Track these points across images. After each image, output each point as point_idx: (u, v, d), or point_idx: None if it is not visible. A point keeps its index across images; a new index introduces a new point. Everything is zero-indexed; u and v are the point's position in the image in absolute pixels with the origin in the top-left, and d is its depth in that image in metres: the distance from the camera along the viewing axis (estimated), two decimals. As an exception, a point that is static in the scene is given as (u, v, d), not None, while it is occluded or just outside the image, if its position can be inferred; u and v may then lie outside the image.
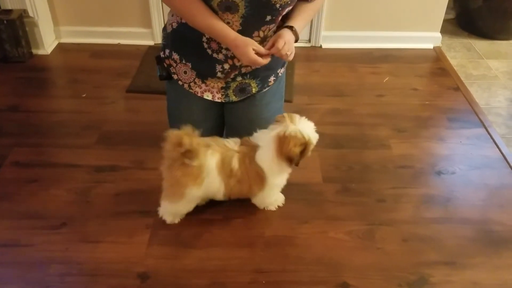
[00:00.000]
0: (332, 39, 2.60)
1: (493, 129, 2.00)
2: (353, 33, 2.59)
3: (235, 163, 1.40)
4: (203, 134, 1.72)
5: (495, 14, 2.73)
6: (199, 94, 1.63)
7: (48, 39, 2.47)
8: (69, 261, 1.39)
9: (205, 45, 1.49)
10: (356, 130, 1.97)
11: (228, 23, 1.40)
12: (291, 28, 1.46)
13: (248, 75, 1.60)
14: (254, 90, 1.63)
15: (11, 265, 1.38)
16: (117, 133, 1.91)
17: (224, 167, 1.40)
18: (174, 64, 1.59)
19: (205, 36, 1.47)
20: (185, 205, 1.47)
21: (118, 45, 2.57)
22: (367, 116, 2.06)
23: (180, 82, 1.62)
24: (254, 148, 1.43)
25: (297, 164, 1.45)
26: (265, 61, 1.42)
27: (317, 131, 1.93)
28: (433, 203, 1.62)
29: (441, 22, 2.59)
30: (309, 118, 2.01)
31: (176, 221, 1.52)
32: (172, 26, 1.54)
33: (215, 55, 1.50)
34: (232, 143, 1.46)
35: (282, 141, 1.38)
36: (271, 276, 1.37)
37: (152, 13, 2.49)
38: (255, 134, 1.48)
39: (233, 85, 1.61)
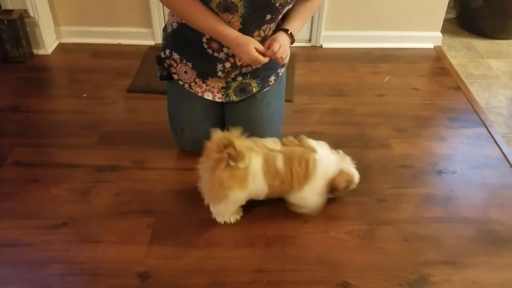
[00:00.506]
0: (333, 39, 2.60)
1: (494, 129, 2.00)
2: (353, 32, 2.59)
3: (279, 164, 1.40)
4: (204, 134, 1.73)
5: (495, 13, 2.73)
6: (199, 94, 1.63)
7: (48, 39, 2.47)
8: (70, 261, 1.39)
9: (205, 45, 1.50)
10: (357, 130, 1.97)
11: (228, 22, 1.40)
12: (286, 31, 1.46)
13: (248, 75, 1.60)
14: (254, 90, 1.63)
15: (12, 265, 1.38)
16: (118, 133, 1.91)
17: (269, 168, 1.39)
18: (175, 64, 1.60)
19: (205, 36, 1.47)
20: (228, 206, 1.46)
21: (119, 45, 2.57)
22: (367, 115, 2.06)
23: (180, 82, 1.63)
24: (309, 150, 1.44)
25: (333, 197, 1.53)
26: (266, 59, 1.43)
27: (317, 131, 1.94)
28: (433, 203, 1.62)
29: (441, 22, 2.59)
30: (310, 117, 2.03)
31: (232, 220, 1.51)
32: (172, 26, 1.55)
33: (216, 54, 1.50)
34: (272, 143, 1.45)
35: (340, 175, 1.47)
36: (272, 275, 1.37)
37: (152, 13, 2.49)
38: (309, 140, 1.49)
39: (234, 85, 1.61)
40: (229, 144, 1.31)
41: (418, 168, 1.77)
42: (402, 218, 1.56)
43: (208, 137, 1.73)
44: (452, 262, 1.42)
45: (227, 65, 1.53)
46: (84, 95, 2.15)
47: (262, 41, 1.48)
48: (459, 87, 2.28)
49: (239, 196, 1.40)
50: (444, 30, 2.65)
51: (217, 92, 1.63)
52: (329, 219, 1.54)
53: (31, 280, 1.34)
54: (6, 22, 2.24)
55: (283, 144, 1.46)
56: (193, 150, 1.77)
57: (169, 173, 1.73)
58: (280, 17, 1.45)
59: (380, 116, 2.05)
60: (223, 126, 1.77)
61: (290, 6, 1.44)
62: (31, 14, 2.34)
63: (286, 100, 2.08)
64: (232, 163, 1.33)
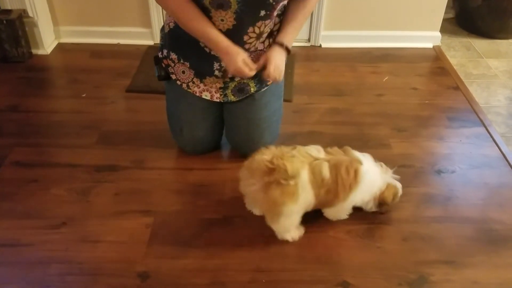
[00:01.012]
0: (332, 39, 2.60)
1: (493, 128, 2.00)
2: (352, 32, 2.59)
3: (326, 172, 1.36)
4: (203, 134, 1.73)
5: (494, 13, 2.73)
6: (197, 94, 1.63)
7: (47, 39, 2.47)
8: (69, 261, 1.39)
9: (202, 44, 1.50)
10: (356, 130, 1.97)
11: (222, 20, 1.40)
12: (281, 44, 1.50)
13: None
14: (252, 90, 1.63)
15: (11, 265, 1.38)
16: (117, 132, 1.91)
17: (315, 178, 1.36)
18: (172, 64, 1.60)
19: None
20: (286, 221, 1.41)
21: (118, 45, 2.57)
22: (367, 115, 2.06)
23: (178, 82, 1.63)
24: (356, 160, 1.42)
25: (382, 212, 1.53)
26: (251, 72, 1.46)
27: (317, 131, 1.94)
28: (433, 202, 1.63)
29: (440, 22, 2.59)
30: (309, 117, 2.03)
31: (297, 236, 1.46)
32: (169, 26, 1.55)
33: (213, 52, 1.51)
34: (315, 151, 1.41)
35: (388, 189, 1.48)
36: (271, 275, 1.37)
37: (151, 13, 2.49)
38: (354, 152, 1.47)
39: (231, 85, 1.62)
40: (279, 169, 1.28)
41: (418, 167, 1.77)
42: (402, 217, 1.56)
43: (207, 136, 1.74)
44: (452, 262, 1.42)
45: (224, 63, 1.54)
46: (84, 95, 2.14)
47: (257, 38, 1.49)
48: (458, 87, 2.28)
49: (292, 209, 1.36)
50: (443, 30, 2.66)
51: (215, 92, 1.63)
52: (328, 219, 1.54)
53: (30, 280, 1.34)
54: (5, 22, 2.23)
55: (327, 153, 1.43)
56: (192, 150, 1.77)
57: (168, 173, 1.73)
58: (275, 13, 1.45)
59: (379, 116, 2.05)
60: (222, 126, 1.77)
61: (285, 2, 1.44)
62: (30, 14, 2.33)
63: (286, 100, 2.08)
64: (283, 182, 1.30)
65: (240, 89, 1.63)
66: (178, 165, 1.76)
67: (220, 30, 1.43)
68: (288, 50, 1.52)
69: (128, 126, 1.96)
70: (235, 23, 1.41)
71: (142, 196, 1.62)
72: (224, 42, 1.43)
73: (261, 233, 1.49)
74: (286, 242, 1.46)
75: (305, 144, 1.82)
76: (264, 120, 1.68)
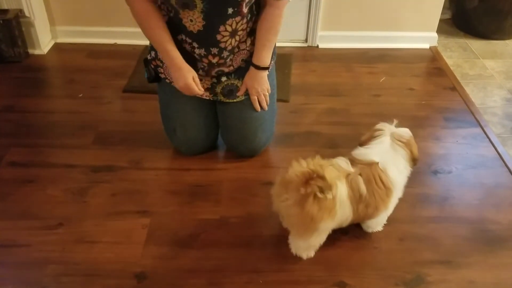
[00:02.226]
0: (329, 39, 2.60)
1: (489, 129, 2.01)
2: (349, 33, 2.59)
3: (363, 187, 1.31)
4: (196, 134, 1.73)
5: (490, 14, 2.74)
6: None
7: (44, 39, 2.47)
8: (66, 262, 1.39)
9: (184, 44, 1.52)
10: (353, 130, 1.97)
11: (191, 20, 1.41)
12: (257, 66, 1.58)
13: (232, 75, 1.63)
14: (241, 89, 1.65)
15: (8, 265, 1.38)
16: (114, 133, 1.91)
17: (354, 193, 1.30)
18: (161, 64, 1.61)
19: (181, 35, 1.49)
20: (317, 238, 1.36)
21: (115, 45, 2.57)
22: (363, 115, 2.06)
23: (167, 81, 1.64)
24: (373, 165, 1.34)
25: (416, 163, 1.48)
26: (200, 92, 1.55)
27: (314, 131, 1.94)
28: (429, 202, 1.63)
29: (437, 22, 2.60)
30: (306, 117, 2.03)
31: (311, 254, 1.42)
32: None
33: (194, 53, 1.53)
34: (345, 164, 1.34)
35: (410, 144, 1.44)
36: (268, 275, 1.37)
37: (148, 13, 2.48)
38: (357, 152, 1.39)
39: (219, 87, 1.63)
40: (316, 176, 1.20)
41: (414, 168, 1.77)
42: (398, 217, 1.56)
43: (200, 136, 1.74)
44: (448, 262, 1.42)
45: (205, 61, 1.55)
46: (80, 95, 2.14)
47: (232, 36, 1.49)
48: (454, 88, 2.29)
49: (328, 226, 1.32)
50: (439, 31, 2.66)
51: (205, 90, 1.64)
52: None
53: (26, 281, 1.33)
54: (1, 22, 2.23)
55: (354, 163, 1.36)
56: (187, 150, 1.77)
57: (165, 173, 1.73)
58: (245, 10, 1.44)
59: (376, 116, 2.05)
60: (216, 126, 1.77)
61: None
62: (27, 14, 2.33)
63: (283, 101, 2.09)
64: (320, 195, 1.22)
65: (230, 90, 1.64)
66: (175, 166, 1.76)
67: (192, 32, 1.44)
68: (266, 67, 1.59)
69: (125, 126, 1.95)
70: (204, 23, 1.42)
71: (139, 196, 1.61)
72: (179, 58, 1.49)
73: (258, 233, 1.49)
74: (283, 242, 1.46)
75: (302, 144, 1.83)
76: (256, 118, 1.68)
